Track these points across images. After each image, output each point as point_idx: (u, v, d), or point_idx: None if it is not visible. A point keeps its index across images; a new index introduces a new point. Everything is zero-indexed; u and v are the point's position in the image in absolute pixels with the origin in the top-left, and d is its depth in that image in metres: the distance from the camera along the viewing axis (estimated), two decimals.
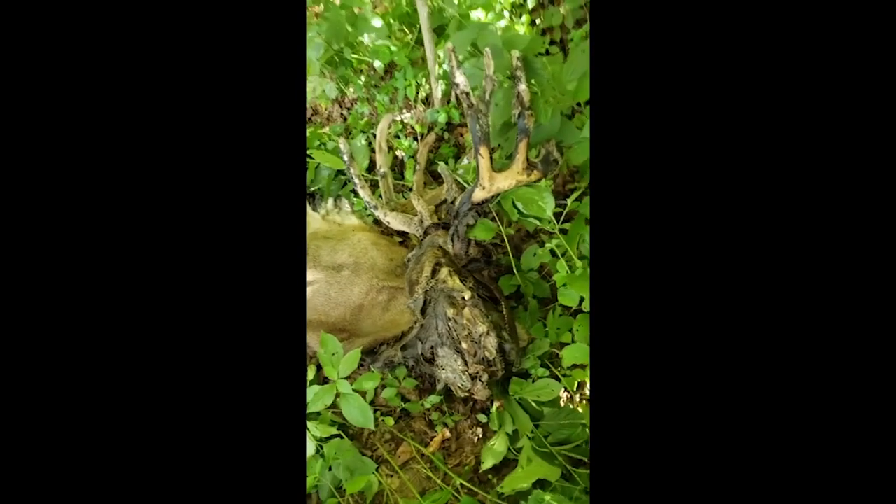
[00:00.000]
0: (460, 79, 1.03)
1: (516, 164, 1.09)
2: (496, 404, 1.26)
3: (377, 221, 1.46)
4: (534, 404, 1.23)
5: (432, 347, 1.12)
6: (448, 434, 1.31)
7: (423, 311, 1.09)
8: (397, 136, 1.72)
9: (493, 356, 1.08)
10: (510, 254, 1.26)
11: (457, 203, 1.17)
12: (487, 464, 1.21)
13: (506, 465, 1.24)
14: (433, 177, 1.66)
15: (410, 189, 1.57)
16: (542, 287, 1.33)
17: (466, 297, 1.06)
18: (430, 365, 1.15)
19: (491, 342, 1.06)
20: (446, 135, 1.69)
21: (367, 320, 1.22)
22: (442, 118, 1.63)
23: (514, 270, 1.29)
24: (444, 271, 1.09)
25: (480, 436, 1.29)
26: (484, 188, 1.10)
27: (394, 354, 1.15)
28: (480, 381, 1.12)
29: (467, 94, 1.03)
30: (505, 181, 1.10)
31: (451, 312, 1.05)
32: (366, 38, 1.60)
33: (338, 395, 1.14)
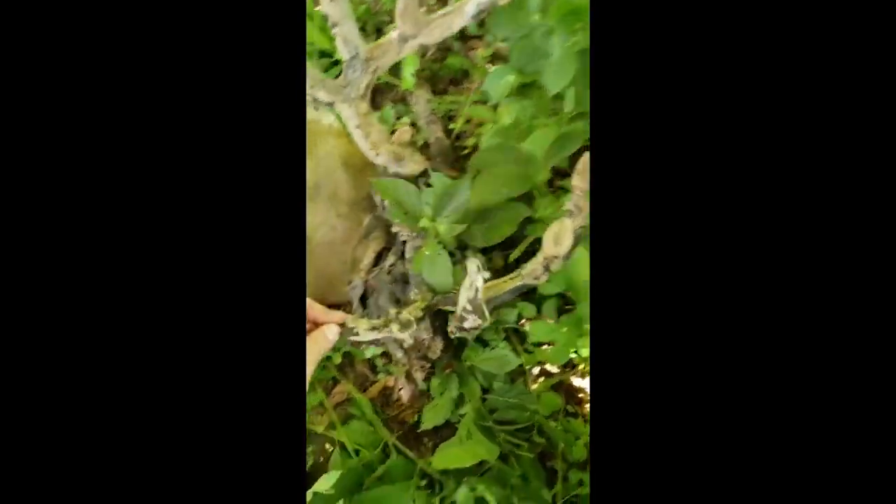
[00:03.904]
0: None
1: None
2: (445, 368, 1.15)
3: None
4: (481, 378, 1.12)
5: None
6: (391, 383, 1.22)
7: (364, 301, 0.88)
8: None
9: (438, 355, 0.91)
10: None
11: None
12: (427, 423, 1.14)
13: (447, 427, 1.18)
14: None
15: None
16: None
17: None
18: None
19: (436, 345, 0.88)
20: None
21: (310, 261, 1.00)
22: None
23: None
24: (391, 260, 0.85)
25: (426, 390, 1.20)
26: None
27: None
28: (422, 370, 0.98)
29: None
30: None
31: (394, 312, 0.85)
32: None
33: None
